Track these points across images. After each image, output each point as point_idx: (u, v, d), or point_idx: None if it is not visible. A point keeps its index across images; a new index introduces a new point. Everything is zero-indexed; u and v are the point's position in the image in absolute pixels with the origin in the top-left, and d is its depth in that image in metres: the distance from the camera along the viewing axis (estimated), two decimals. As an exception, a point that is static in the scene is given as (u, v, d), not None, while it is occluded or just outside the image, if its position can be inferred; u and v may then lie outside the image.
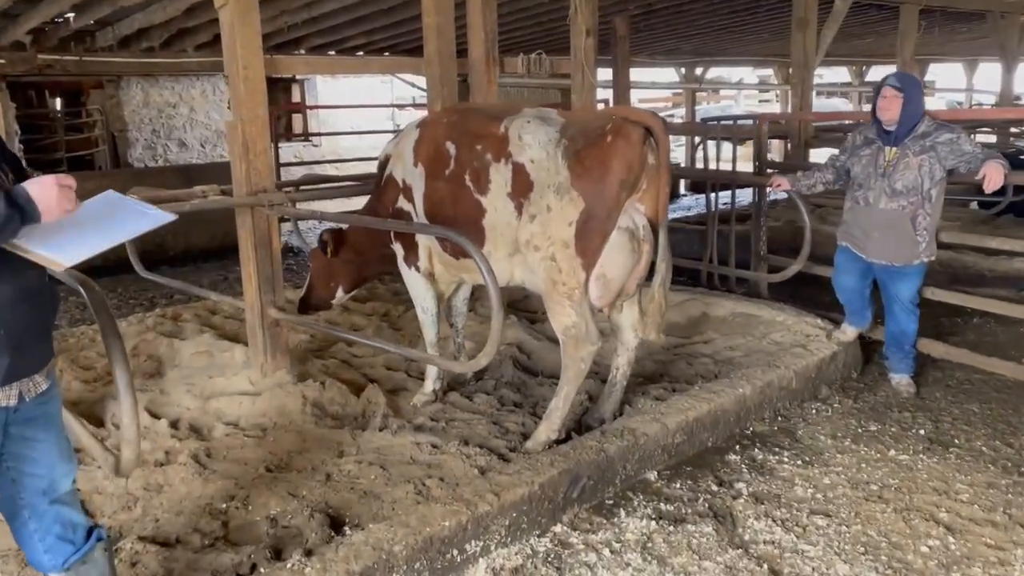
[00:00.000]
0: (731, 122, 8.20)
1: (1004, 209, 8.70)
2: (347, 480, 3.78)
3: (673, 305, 5.74)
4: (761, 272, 6.77)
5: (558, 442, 3.99)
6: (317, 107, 15.11)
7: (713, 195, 7.55)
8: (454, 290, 4.86)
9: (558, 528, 3.55)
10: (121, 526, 3.50)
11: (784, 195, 5.84)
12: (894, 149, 4.74)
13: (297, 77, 16.20)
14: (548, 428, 4.02)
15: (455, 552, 3.19)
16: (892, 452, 4.26)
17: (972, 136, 5.12)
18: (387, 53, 11.69)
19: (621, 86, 10.65)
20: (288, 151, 16.37)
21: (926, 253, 4.82)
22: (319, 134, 15.36)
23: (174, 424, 4.52)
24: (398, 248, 4.61)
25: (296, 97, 16.94)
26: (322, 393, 4.73)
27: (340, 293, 5.11)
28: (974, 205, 9.74)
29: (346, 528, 3.36)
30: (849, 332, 5.31)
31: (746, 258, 7.02)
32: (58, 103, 14.39)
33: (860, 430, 4.56)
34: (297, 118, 17.14)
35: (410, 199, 4.41)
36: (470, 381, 5.04)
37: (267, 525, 3.41)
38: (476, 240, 4.10)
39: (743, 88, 22.93)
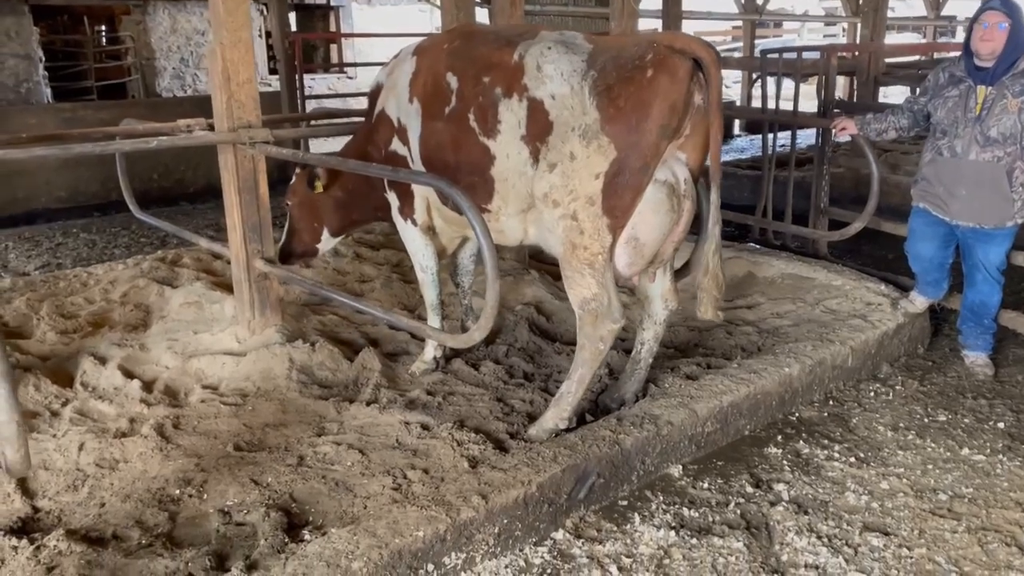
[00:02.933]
0: (794, 55, 7.25)
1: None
2: (320, 466, 3.28)
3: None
4: (820, 228, 6.00)
5: (568, 430, 3.43)
6: (351, 35, 14.36)
7: (771, 137, 6.71)
8: (459, 245, 4.26)
9: (559, 535, 3.02)
10: (61, 510, 3.07)
11: (846, 139, 5.07)
12: (989, 88, 3.95)
13: (332, 4, 15.47)
14: (556, 415, 3.44)
15: (430, 567, 2.69)
16: (965, 451, 3.60)
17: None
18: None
19: (672, 15, 9.77)
20: (323, 83, 15.79)
21: (1021, 214, 4.06)
22: (353, 64, 14.66)
23: (148, 386, 4.09)
24: (392, 198, 4.00)
25: (333, 26, 16.24)
26: (311, 356, 4.23)
27: (326, 236, 4.40)
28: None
29: (305, 532, 2.87)
30: (919, 302, 4.60)
31: (804, 207, 6.24)
32: (88, 29, 13.91)
33: (927, 420, 3.91)
34: (334, 48, 16.47)
35: (405, 141, 3.77)
36: (479, 346, 4.48)
37: (219, 520, 2.94)
38: (483, 193, 3.48)
39: (807, 20, 21.40)
